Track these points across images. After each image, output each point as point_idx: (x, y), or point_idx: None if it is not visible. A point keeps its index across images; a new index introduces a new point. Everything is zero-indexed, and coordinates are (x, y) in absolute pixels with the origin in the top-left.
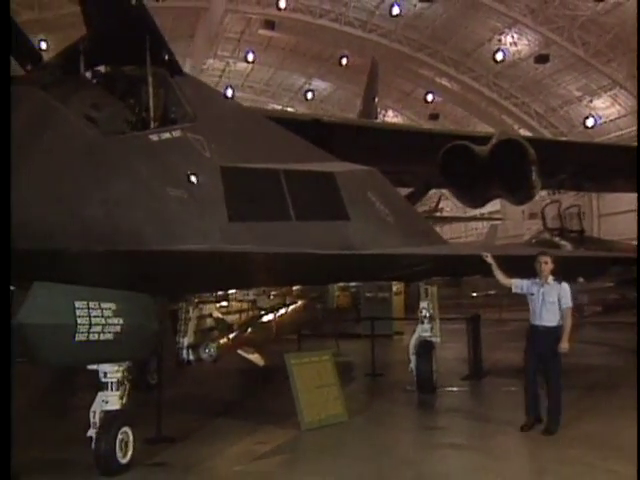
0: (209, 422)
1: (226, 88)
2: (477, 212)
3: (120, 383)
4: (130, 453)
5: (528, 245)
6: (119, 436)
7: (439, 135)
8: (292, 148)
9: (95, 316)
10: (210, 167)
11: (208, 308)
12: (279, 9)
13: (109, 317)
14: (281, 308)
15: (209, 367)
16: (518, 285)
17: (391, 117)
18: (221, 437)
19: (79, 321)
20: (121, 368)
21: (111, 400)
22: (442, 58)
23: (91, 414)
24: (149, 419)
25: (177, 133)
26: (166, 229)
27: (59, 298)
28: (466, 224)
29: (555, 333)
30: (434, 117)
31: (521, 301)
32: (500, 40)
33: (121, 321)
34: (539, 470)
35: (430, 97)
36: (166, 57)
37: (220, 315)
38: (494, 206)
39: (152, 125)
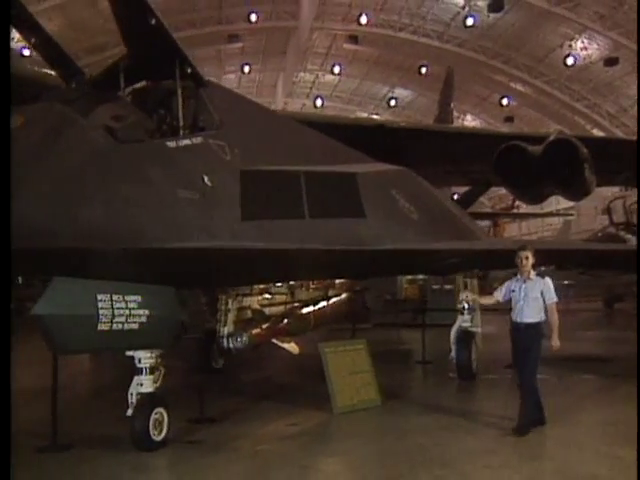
0: (252, 404)
1: (315, 98)
2: (553, 208)
3: (154, 368)
4: (165, 431)
5: (595, 239)
6: (153, 416)
7: (496, 136)
8: (321, 151)
9: (119, 307)
10: (229, 170)
11: (249, 300)
12: (360, 24)
13: (134, 308)
14: (322, 300)
15: (261, 354)
16: (500, 294)
17: (469, 121)
18: (258, 418)
19: (101, 312)
20: (154, 355)
21: (145, 383)
22: (516, 64)
23: (129, 396)
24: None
25: (198, 140)
26: (171, 228)
27: (79, 291)
28: (542, 220)
29: (537, 329)
30: (509, 120)
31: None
32: (571, 45)
33: (147, 312)
34: (544, 455)
35: (505, 101)
36: (189, 71)
37: (258, 307)
38: (569, 202)
39: (177, 133)
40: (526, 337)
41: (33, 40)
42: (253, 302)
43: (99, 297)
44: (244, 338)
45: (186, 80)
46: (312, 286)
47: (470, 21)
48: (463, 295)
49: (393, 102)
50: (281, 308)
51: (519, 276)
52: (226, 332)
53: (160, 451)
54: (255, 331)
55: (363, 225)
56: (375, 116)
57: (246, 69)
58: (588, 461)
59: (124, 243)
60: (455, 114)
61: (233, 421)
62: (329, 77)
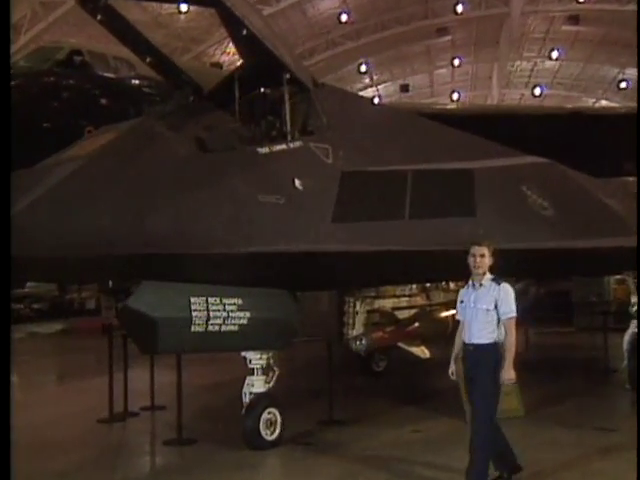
0: (390, 407)
1: (534, 87)
2: None
3: (266, 369)
4: (278, 431)
5: None
6: (265, 416)
7: None
8: (444, 147)
9: (215, 310)
10: (327, 172)
11: (381, 303)
12: (579, 2)
13: (232, 311)
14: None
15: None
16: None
17: None
18: (386, 422)
19: (194, 314)
20: (265, 356)
21: (257, 384)
22: None
23: (243, 395)
24: (349, 402)
25: (296, 144)
26: (246, 232)
27: (169, 294)
28: None
29: (486, 353)
30: None
31: None
32: None
33: (248, 314)
34: None
35: None
36: (288, 78)
37: (389, 309)
38: None
39: (283, 138)
40: (473, 364)
41: (145, 56)
42: (386, 305)
43: (192, 300)
44: (364, 341)
45: (291, 86)
46: (452, 288)
47: None
48: (634, 299)
49: (624, 84)
50: (416, 311)
51: (470, 281)
52: (354, 334)
53: (270, 450)
54: (377, 334)
55: (469, 224)
56: (604, 101)
57: (456, 62)
58: None
59: (194, 249)
60: None
61: (359, 424)
62: (549, 63)
